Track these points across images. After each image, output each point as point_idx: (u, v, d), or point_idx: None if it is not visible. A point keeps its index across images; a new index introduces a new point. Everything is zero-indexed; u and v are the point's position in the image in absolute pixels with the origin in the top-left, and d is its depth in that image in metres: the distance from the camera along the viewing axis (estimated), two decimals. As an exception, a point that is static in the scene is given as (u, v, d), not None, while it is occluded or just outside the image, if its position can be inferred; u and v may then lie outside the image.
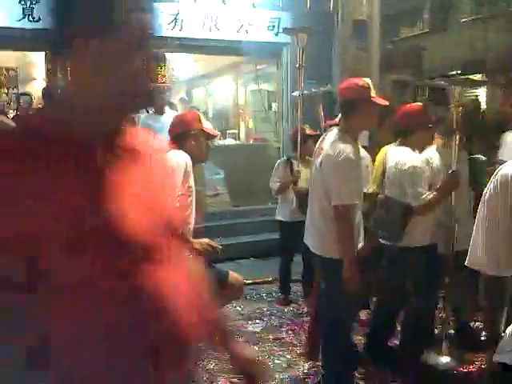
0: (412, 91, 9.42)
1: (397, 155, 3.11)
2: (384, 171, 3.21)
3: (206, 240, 2.90)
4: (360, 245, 2.76)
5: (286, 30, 5.31)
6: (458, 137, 3.13)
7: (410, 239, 3.02)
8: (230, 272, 3.17)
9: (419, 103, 3.27)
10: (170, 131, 3.02)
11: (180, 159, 2.80)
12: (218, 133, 6.87)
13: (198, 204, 3.10)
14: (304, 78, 4.22)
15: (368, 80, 2.75)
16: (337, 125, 4.10)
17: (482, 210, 1.58)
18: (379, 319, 3.38)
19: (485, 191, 1.56)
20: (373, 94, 2.69)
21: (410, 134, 3.10)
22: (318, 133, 4.18)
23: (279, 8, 6.68)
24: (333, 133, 2.74)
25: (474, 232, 1.60)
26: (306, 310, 4.26)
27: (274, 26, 6.74)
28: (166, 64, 6.93)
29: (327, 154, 2.66)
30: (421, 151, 3.15)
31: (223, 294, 2.90)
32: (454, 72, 8.55)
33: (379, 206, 3.16)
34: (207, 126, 3.09)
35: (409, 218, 3.03)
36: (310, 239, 2.84)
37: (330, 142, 2.68)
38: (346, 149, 2.60)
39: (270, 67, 7.57)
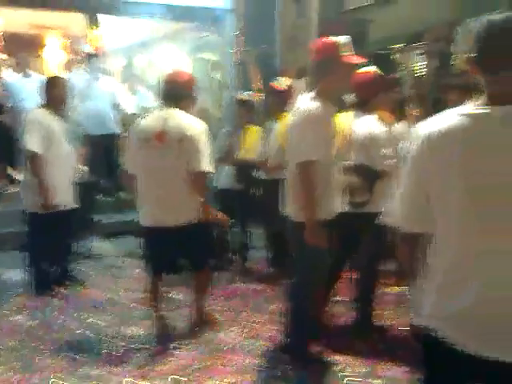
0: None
1: (358, 121, 3.10)
2: (345, 138, 3.14)
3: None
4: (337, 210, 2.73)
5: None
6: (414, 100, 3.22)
7: (376, 205, 2.94)
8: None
9: (373, 69, 3.19)
10: None
11: None
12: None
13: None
14: (246, 45, 4.12)
15: (340, 38, 2.60)
16: (281, 91, 4.05)
17: (406, 166, 1.56)
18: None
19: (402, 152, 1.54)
20: (344, 52, 2.58)
21: (368, 101, 3.10)
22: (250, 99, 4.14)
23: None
24: (303, 97, 2.68)
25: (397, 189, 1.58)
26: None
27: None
28: (99, 27, 6.60)
29: (293, 116, 2.63)
30: (387, 122, 3.16)
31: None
32: (399, 44, 8.63)
33: (345, 172, 3.10)
34: None
35: (376, 183, 3.04)
36: (285, 206, 2.81)
37: (298, 105, 2.64)
38: (311, 107, 2.55)
39: (214, 35, 7.35)
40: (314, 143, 2.54)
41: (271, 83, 4.24)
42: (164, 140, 3.03)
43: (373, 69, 3.21)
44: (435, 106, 4.30)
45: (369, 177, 3.09)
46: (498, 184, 1.33)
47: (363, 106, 3.14)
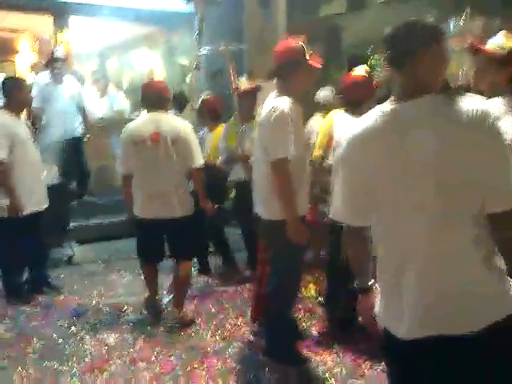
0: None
1: (345, 123, 3.11)
2: (330, 138, 3.22)
3: None
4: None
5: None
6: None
7: None
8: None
9: (365, 73, 3.21)
10: None
11: None
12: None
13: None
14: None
15: (302, 42, 2.70)
16: (244, 92, 4.07)
17: (339, 165, 1.60)
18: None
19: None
20: (307, 56, 2.67)
21: (359, 103, 3.08)
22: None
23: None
24: (270, 97, 2.72)
25: (335, 186, 1.63)
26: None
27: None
28: (68, 29, 6.56)
29: (263, 114, 2.66)
30: None
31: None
32: (369, 51, 8.79)
33: (325, 172, 3.17)
34: None
35: None
36: (258, 205, 2.83)
37: (267, 105, 2.67)
38: (281, 104, 2.59)
39: (185, 39, 7.36)
40: (287, 140, 2.58)
41: (236, 82, 4.27)
42: (158, 140, 3.36)
43: (363, 71, 3.23)
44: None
45: None
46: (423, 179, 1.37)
47: (353, 107, 3.13)
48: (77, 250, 5.25)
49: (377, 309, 1.58)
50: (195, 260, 4.43)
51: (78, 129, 5.52)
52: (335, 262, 3.32)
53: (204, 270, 4.66)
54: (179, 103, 4.71)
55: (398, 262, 1.45)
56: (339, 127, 3.16)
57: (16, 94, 3.93)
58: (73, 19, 6.82)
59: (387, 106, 1.47)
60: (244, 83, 4.20)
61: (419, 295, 1.41)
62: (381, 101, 1.58)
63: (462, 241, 1.38)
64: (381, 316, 1.56)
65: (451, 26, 5.07)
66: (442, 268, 1.39)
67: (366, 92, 3.12)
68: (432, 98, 1.41)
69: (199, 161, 3.51)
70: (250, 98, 4.00)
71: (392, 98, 1.49)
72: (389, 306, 1.51)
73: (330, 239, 3.26)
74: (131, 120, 3.89)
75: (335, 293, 3.35)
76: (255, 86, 4.01)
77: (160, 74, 7.33)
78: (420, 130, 1.39)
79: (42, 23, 7.07)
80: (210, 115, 4.58)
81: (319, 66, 2.72)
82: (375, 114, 1.48)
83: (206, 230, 4.43)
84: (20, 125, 3.95)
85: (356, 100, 3.12)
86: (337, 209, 1.62)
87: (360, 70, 3.23)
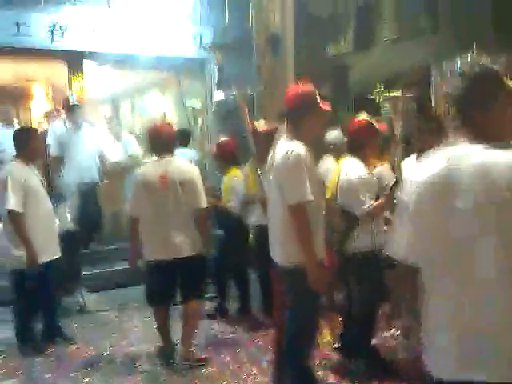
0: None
1: (347, 166, 3.29)
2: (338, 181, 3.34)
3: None
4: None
5: (204, 47, 5.32)
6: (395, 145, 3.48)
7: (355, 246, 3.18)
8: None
9: (366, 118, 3.41)
10: None
11: None
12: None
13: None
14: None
15: (312, 86, 2.75)
16: (263, 133, 4.10)
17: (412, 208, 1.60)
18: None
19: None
20: (319, 100, 2.70)
21: (361, 147, 3.29)
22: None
23: (200, 23, 6.67)
24: (283, 142, 2.73)
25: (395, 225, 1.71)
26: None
27: (196, 42, 6.71)
28: (83, 77, 6.73)
29: (278, 158, 2.65)
30: (371, 165, 3.40)
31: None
32: (378, 89, 8.88)
33: (333, 214, 3.26)
34: None
35: (352, 225, 3.18)
36: (275, 250, 2.79)
37: (281, 149, 2.68)
38: (297, 149, 2.60)
39: (196, 83, 7.52)
40: (304, 184, 2.58)
41: (253, 124, 4.27)
42: (167, 184, 3.47)
43: (365, 117, 3.42)
44: (409, 148, 4.42)
45: (350, 220, 3.21)
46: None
47: (356, 151, 3.33)
48: (88, 299, 5.19)
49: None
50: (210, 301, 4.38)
51: (95, 175, 5.56)
52: (361, 307, 3.29)
53: (222, 311, 4.61)
54: (183, 139, 4.91)
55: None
56: (342, 170, 3.31)
57: (28, 145, 3.96)
58: (87, 66, 7.01)
59: (467, 149, 1.45)
60: (261, 125, 4.21)
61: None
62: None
63: None
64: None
65: (458, 64, 5.14)
66: None
67: (366, 136, 3.30)
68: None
69: (204, 202, 3.61)
70: (268, 140, 4.00)
71: (463, 140, 1.48)
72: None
73: (358, 282, 3.26)
74: (144, 164, 3.94)
75: (355, 338, 3.28)
76: (273, 127, 4.03)
77: (171, 118, 7.44)
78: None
79: (56, 71, 7.26)
80: (223, 158, 4.61)
81: (329, 109, 2.75)
82: (451, 158, 1.47)
83: (229, 269, 4.48)
84: (33, 175, 3.95)
85: (357, 143, 3.32)
86: (402, 248, 1.62)
87: (362, 115, 3.42)
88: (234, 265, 4.62)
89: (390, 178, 3.62)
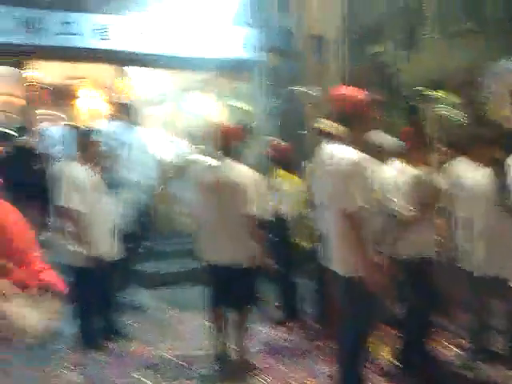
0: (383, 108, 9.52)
1: (395, 169, 3.38)
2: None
3: None
4: None
5: (260, 49, 5.32)
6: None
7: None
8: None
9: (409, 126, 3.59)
10: None
11: None
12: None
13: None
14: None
15: (364, 90, 2.73)
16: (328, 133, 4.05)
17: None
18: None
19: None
20: (371, 104, 2.72)
21: (410, 151, 3.40)
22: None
23: (249, 25, 6.66)
24: (336, 145, 2.71)
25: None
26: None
27: (248, 43, 6.70)
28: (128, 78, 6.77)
29: (334, 164, 2.62)
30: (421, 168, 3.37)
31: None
32: (422, 89, 8.70)
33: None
34: None
35: (395, 228, 3.16)
36: (330, 259, 2.76)
37: (336, 153, 2.66)
38: (350, 154, 2.58)
39: (242, 84, 7.51)
40: (364, 190, 2.56)
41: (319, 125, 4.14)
42: (221, 187, 3.46)
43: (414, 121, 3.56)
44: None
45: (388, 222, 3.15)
46: None
47: (407, 155, 3.39)
48: (144, 296, 5.24)
49: None
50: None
51: (151, 174, 5.61)
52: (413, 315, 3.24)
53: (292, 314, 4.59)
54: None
55: None
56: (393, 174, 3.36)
57: (90, 146, 4.02)
58: (133, 67, 7.08)
59: None
60: (326, 124, 4.09)
61: None
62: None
63: None
64: None
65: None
66: None
67: (418, 140, 3.45)
68: None
69: (251, 209, 3.50)
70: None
71: None
72: None
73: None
74: (194, 164, 3.93)
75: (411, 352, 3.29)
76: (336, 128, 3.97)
77: (222, 119, 7.44)
78: None
79: (104, 71, 7.37)
80: (280, 162, 4.58)
81: (380, 113, 2.81)
82: None
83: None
84: (93, 175, 4.00)
85: (408, 148, 3.44)
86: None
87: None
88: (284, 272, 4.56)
89: (437, 183, 3.52)
